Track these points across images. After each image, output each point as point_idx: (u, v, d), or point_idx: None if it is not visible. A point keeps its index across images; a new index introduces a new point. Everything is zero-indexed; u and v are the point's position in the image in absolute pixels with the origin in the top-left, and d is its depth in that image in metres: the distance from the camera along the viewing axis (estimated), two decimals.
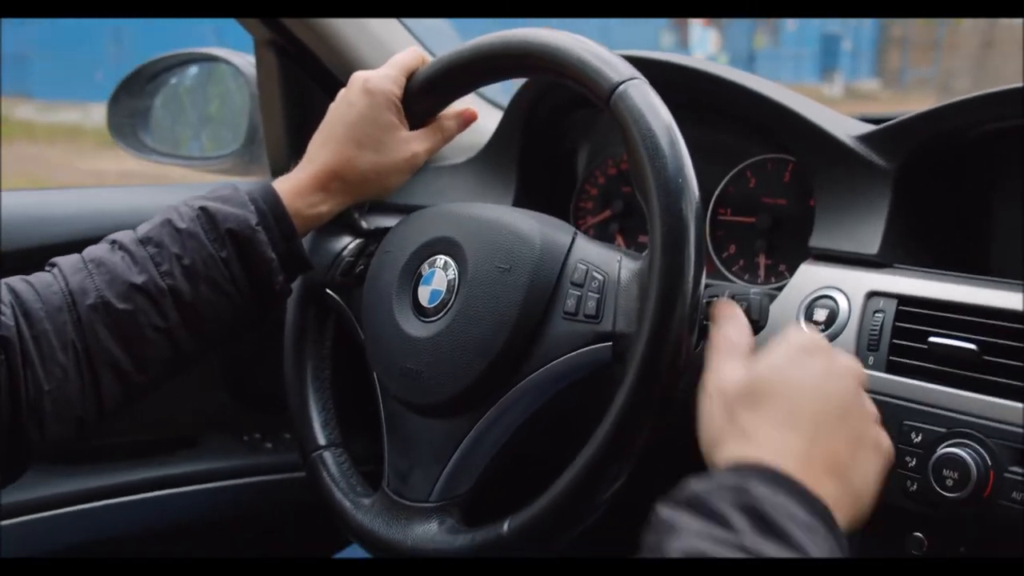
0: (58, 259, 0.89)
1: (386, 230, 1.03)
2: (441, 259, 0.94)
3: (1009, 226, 1.03)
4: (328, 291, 1.05)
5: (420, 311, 0.94)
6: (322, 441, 1.04)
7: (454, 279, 0.92)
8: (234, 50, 1.47)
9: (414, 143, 0.97)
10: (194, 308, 0.88)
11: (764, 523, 0.55)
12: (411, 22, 1.39)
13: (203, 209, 0.90)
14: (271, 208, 0.91)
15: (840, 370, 0.71)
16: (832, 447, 0.65)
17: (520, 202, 1.26)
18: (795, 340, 0.72)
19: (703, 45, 15.13)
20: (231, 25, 1.33)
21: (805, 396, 0.68)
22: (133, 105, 1.48)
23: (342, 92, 0.99)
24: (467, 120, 1.02)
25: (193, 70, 1.52)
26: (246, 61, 1.44)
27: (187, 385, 1.41)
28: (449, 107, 1.02)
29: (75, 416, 0.85)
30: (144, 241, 0.88)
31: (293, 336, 1.07)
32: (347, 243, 1.05)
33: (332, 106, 0.98)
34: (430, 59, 0.99)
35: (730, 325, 0.78)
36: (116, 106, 1.47)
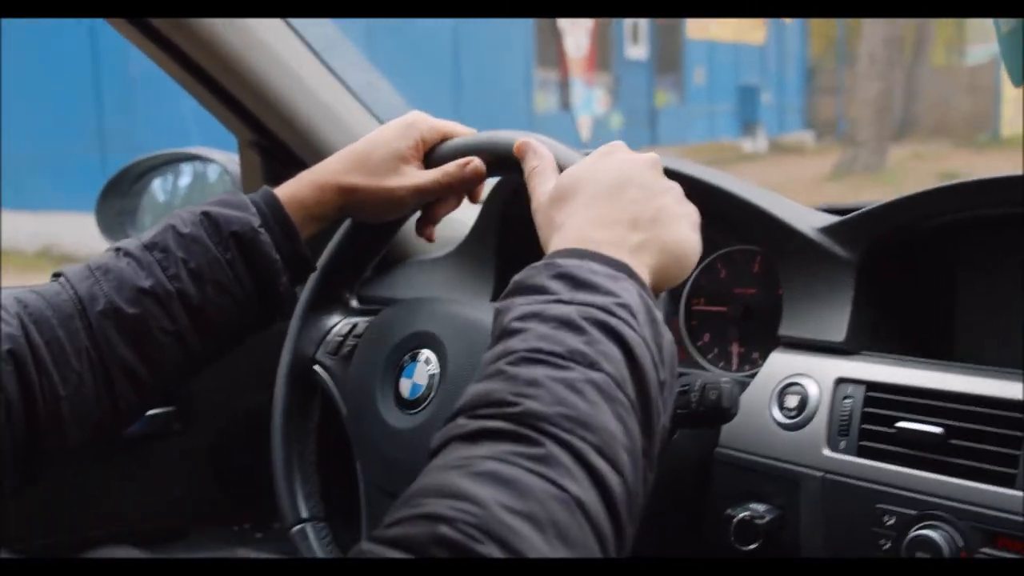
0: (63, 269, 0.89)
1: (376, 311, 1.06)
2: (423, 353, 0.97)
3: (971, 312, 1.06)
4: (316, 367, 1.07)
5: (401, 403, 0.96)
6: (304, 514, 1.06)
7: (435, 374, 0.94)
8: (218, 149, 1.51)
9: (413, 177, 0.97)
10: (202, 310, 0.89)
11: (574, 281, 0.67)
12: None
13: (205, 214, 0.91)
14: (272, 210, 0.93)
15: (633, 157, 0.80)
16: (632, 209, 0.74)
17: (499, 294, 1.28)
18: (598, 150, 0.82)
19: (588, 105, 14.54)
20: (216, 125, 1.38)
21: (601, 181, 0.77)
22: (121, 205, 1.51)
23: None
24: (468, 168, 0.97)
25: (178, 169, 1.56)
26: (229, 159, 1.47)
27: (175, 476, 1.43)
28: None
29: (92, 421, 0.86)
30: (149, 247, 0.89)
31: (281, 409, 1.09)
32: (338, 321, 1.08)
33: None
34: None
35: (534, 158, 0.86)
36: (104, 205, 1.50)
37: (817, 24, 17.31)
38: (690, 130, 15.64)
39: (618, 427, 0.60)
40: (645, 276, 0.72)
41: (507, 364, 0.62)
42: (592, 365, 0.62)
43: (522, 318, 0.65)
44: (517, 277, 0.70)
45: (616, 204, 0.75)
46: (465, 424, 0.59)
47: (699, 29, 15.62)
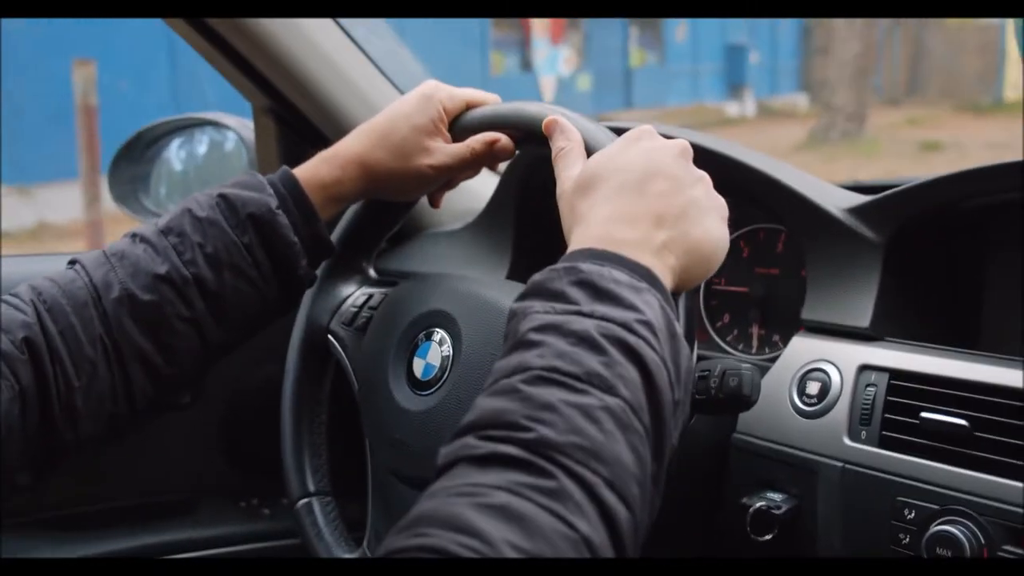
0: (79, 255, 0.88)
1: (393, 283, 1.04)
2: (438, 333, 0.95)
3: (1001, 300, 1.03)
4: (330, 337, 1.05)
5: (413, 383, 0.94)
6: (311, 488, 1.04)
7: (448, 356, 0.92)
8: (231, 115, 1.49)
9: (439, 154, 0.95)
10: (219, 296, 0.88)
11: (595, 290, 0.64)
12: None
13: (222, 196, 0.89)
14: (290, 192, 0.90)
15: (661, 145, 0.76)
16: (658, 204, 0.71)
17: (516, 269, 1.26)
18: (626, 134, 0.78)
19: (552, 66, 13.60)
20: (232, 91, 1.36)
21: (628, 171, 0.73)
22: (133, 171, 1.49)
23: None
24: (495, 146, 0.95)
25: (190, 134, 1.53)
26: (243, 125, 1.45)
27: (184, 450, 1.42)
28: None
29: (107, 412, 0.84)
30: (165, 232, 0.88)
31: (293, 378, 1.07)
32: (353, 291, 1.06)
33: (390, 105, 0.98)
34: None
35: (562, 138, 0.83)
36: (116, 172, 1.48)
37: None
38: (670, 92, 14.64)
39: (631, 457, 0.58)
40: (668, 279, 0.69)
41: (522, 382, 0.60)
42: (609, 390, 0.59)
43: (540, 329, 0.62)
44: (536, 278, 0.67)
45: (642, 198, 0.71)
46: (476, 445, 0.57)
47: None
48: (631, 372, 0.61)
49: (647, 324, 0.63)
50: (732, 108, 15.23)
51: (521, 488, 0.54)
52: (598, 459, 0.56)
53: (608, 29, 14.08)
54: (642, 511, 0.58)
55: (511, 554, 0.50)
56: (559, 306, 0.64)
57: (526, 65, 13.52)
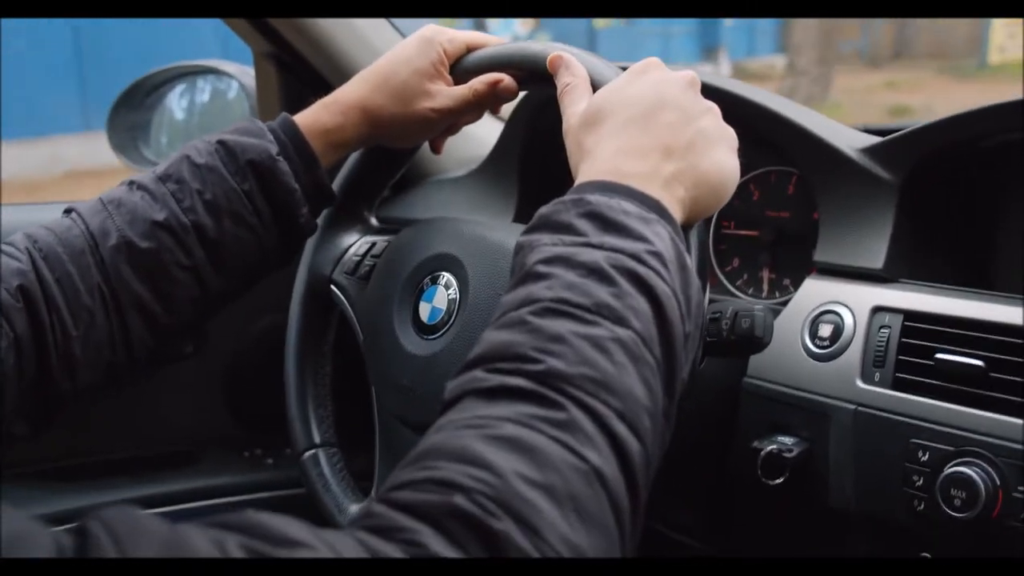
0: (75, 204, 0.87)
1: (396, 231, 1.03)
2: (444, 276, 0.93)
3: (1016, 240, 1.01)
4: (332, 287, 1.04)
5: (420, 327, 0.93)
6: (317, 439, 1.04)
7: (455, 299, 0.91)
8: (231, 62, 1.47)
9: (441, 97, 0.93)
10: (218, 244, 0.86)
11: (603, 221, 0.62)
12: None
13: (221, 143, 0.87)
14: (291, 138, 0.89)
15: (668, 77, 0.74)
16: (666, 136, 0.70)
17: (522, 215, 1.25)
18: (632, 67, 0.76)
19: (508, 25, 13.02)
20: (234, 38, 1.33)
21: (636, 104, 0.72)
22: (133, 119, 1.47)
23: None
24: (498, 86, 0.93)
25: (191, 82, 1.51)
26: (244, 72, 1.43)
27: (187, 400, 1.41)
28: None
29: (105, 361, 0.83)
30: (163, 178, 0.86)
31: (296, 329, 1.06)
32: (356, 239, 1.04)
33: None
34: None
35: (567, 74, 0.81)
36: (116, 120, 1.46)
37: None
38: (637, 54, 13.51)
39: (642, 390, 0.57)
40: (678, 211, 0.68)
41: (530, 314, 0.58)
42: (620, 321, 0.58)
43: (548, 261, 0.61)
44: (543, 210, 0.66)
45: (650, 130, 0.70)
46: (484, 378, 0.56)
47: None
48: (641, 303, 0.59)
49: (657, 255, 0.62)
50: (705, 71, 14.85)
51: (530, 420, 0.52)
52: (609, 390, 0.55)
53: None
54: (654, 444, 0.57)
55: (522, 486, 0.49)
56: (567, 238, 0.62)
57: (479, 26, 13.21)
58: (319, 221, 1.05)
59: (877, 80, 12.51)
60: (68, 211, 0.87)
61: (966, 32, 14.37)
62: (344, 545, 0.46)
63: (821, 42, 11.22)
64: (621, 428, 0.54)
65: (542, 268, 0.61)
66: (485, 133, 1.32)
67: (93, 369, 0.83)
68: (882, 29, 14.68)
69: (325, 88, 1.31)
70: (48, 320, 0.79)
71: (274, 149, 0.87)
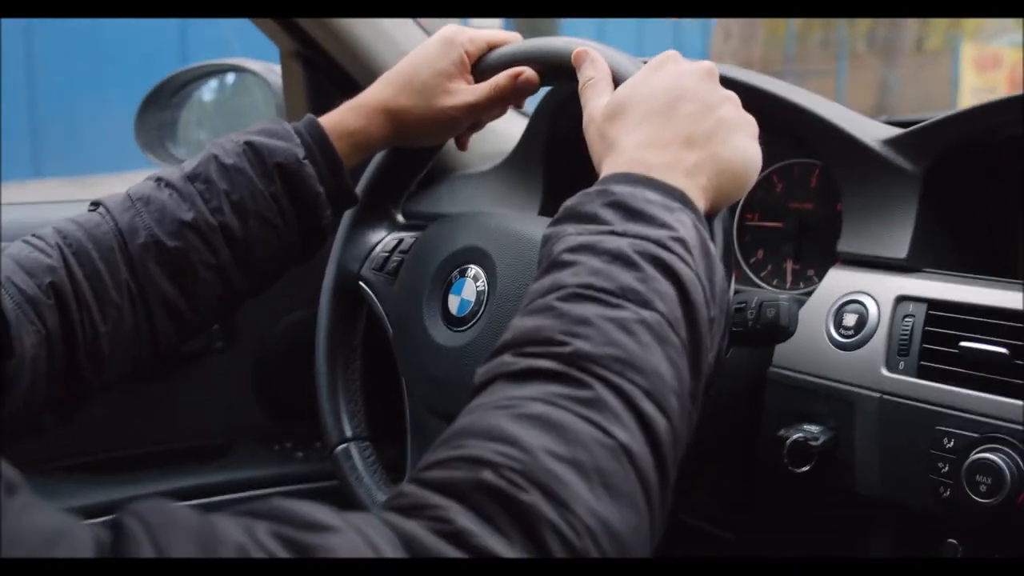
0: (102, 198, 0.87)
1: (423, 226, 1.04)
2: (472, 269, 0.94)
3: None
4: (361, 284, 1.05)
5: (449, 320, 0.94)
6: (349, 433, 1.05)
7: (484, 291, 0.92)
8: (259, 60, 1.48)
9: (464, 94, 0.94)
10: (245, 244, 0.87)
11: (627, 211, 0.64)
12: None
13: (249, 144, 0.88)
14: (317, 141, 0.90)
15: (686, 69, 0.76)
16: (686, 126, 0.71)
17: (547, 209, 1.26)
18: (650, 61, 0.78)
19: None
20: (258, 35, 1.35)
21: (655, 97, 0.73)
22: (160, 118, 1.49)
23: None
24: (521, 79, 0.93)
25: (218, 81, 1.53)
26: (271, 71, 1.44)
27: (217, 394, 1.43)
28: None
29: (132, 356, 0.85)
30: (192, 178, 0.87)
31: (325, 325, 1.07)
32: (383, 236, 1.06)
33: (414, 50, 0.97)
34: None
35: (590, 68, 0.82)
36: (144, 119, 1.48)
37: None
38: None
39: (668, 370, 0.58)
40: (701, 200, 0.69)
41: (557, 300, 0.60)
42: (645, 304, 0.59)
43: (573, 250, 0.62)
44: (568, 203, 0.67)
45: (670, 121, 0.71)
46: (512, 362, 0.57)
47: None
48: (666, 287, 0.61)
49: (681, 241, 0.63)
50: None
51: (558, 399, 0.54)
52: (635, 369, 0.56)
53: None
54: (681, 423, 0.58)
55: (549, 461, 0.50)
56: (592, 227, 0.64)
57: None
58: (346, 219, 1.07)
59: None
60: (96, 205, 0.87)
61: (935, 103, 13.81)
62: (370, 525, 0.47)
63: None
64: (648, 406, 0.55)
65: (568, 256, 0.62)
66: (510, 128, 1.33)
67: (120, 363, 0.84)
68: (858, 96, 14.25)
69: (352, 86, 1.33)
70: (78, 317, 0.80)
71: (301, 153, 0.89)
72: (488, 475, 0.49)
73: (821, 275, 1.02)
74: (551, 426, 0.52)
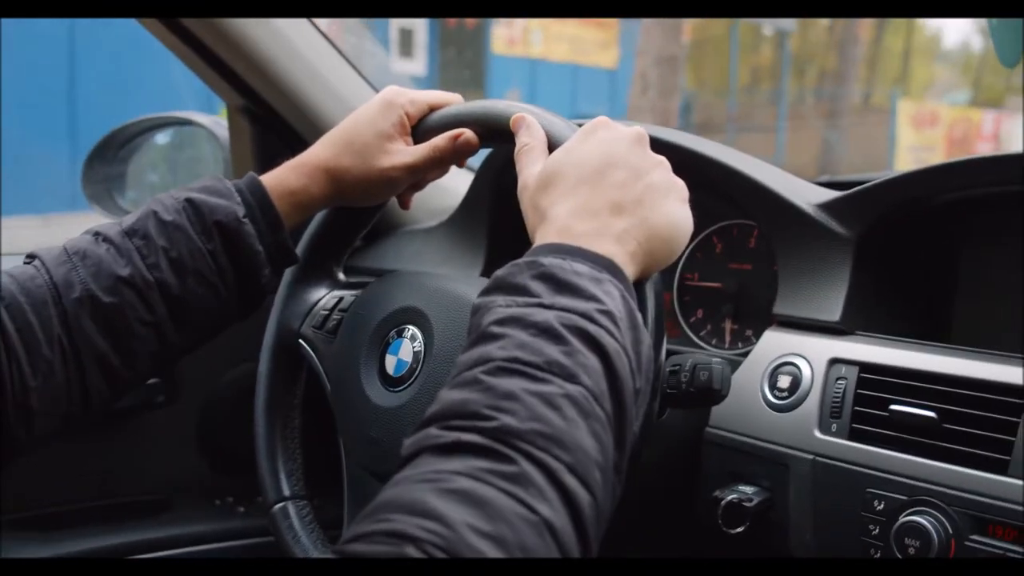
0: (38, 251, 0.86)
1: (363, 284, 1.04)
2: (409, 329, 0.95)
3: (972, 295, 1.04)
4: (301, 342, 1.05)
5: (386, 380, 0.94)
6: (287, 492, 1.04)
7: (420, 351, 0.92)
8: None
9: (403, 155, 0.95)
10: (181, 301, 0.87)
11: (556, 283, 0.65)
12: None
13: (189, 201, 0.88)
14: (257, 200, 0.90)
15: (617, 135, 0.77)
16: (615, 193, 0.72)
17: (491, 266, 1.27)
18: (583, 128, 0.79)
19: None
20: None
21: (585, 165, 0.75)
22: (107, 171, 1.49)
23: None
24: (460, 141, 0.94)
25: (166, 134, 1.53)
26: (217, 124, 1.45)
27: (159, 448, 1.41)
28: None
29: (62, 411, 0.83)
30: (130, 233, 0.86)
31: (265, 383, 1.07)
32: (323, 294, 1.06)
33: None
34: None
35: (525, 135, 0.84)
36: (90, 172, 1.47)
37: (694, 50, 14.38)
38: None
39: (593, 444, 0.59)
40: (630, 266, 0.70)
41: (483, 373, 0.60)
42: (570, 378, 0.60)
43: (502, 322, 0.63)
44: (499, 273, 0.68)
45: (599, 190, 0.72)
46: (439, 435, 0.58)
47: (508, 44, 12.60)
48: (592, 360, 0.61)
49: (608, 313, 0.64)
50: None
51: (482, 473, 0.54)
52: (560, 445, 0.57)
53: None
54: (604, 497, 0.59)
55: (472, 537, 0.50)
56: (521, 299, 0.65)
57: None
58: (287, 276, 1.07)
59: None
60: (31, 258, 0.86)
61: (870, 160, 13.97)
62: None
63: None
64: (572, 481, 0.56)
65: (496, 329, 0.63)
66: (456, 184, 1.34)
67: (49, 419, 0.83)
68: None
69: (298, 142, 1.34)
70: (8, 371, 0.79)
71: (241, 211, 0.88)
72: (410, 550, 0.49)
73: (759, 335, 1.03)
74: (475, 501, 0.52)
